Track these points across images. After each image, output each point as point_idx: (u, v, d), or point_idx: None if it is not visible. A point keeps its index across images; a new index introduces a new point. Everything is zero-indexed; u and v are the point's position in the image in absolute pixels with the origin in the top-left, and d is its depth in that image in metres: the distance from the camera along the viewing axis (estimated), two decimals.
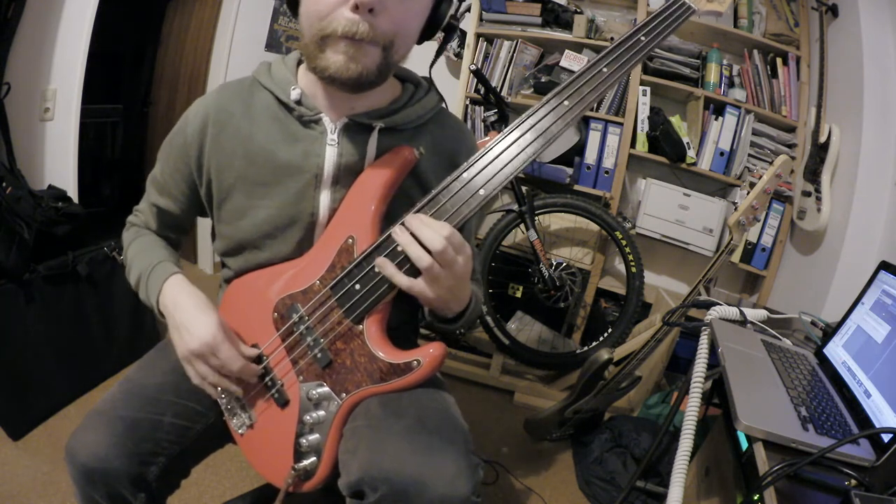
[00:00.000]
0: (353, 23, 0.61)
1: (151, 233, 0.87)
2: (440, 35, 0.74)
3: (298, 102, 0.73)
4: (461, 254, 0.64)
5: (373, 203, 0.70)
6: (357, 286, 0.68)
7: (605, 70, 0.65)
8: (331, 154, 0.73)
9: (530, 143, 0.64)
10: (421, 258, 0.62)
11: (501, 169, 0.65)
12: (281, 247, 0.77)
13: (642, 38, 0.67)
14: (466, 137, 0.84)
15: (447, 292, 0.66)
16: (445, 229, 0.63)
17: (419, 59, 0.80)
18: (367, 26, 0.62)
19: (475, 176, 0.65)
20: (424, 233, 0.62)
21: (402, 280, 0.64)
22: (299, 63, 0.77)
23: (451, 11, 0.71)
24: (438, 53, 0.80)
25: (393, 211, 0.72)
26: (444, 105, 0.83)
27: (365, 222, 0.70)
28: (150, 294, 0.77)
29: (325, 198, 0.74)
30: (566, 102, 0.65)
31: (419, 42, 0.73)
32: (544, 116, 0.65)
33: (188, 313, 0.72)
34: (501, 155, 0.65)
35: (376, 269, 0.67)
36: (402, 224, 0.65)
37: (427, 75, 0.82)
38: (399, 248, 0.65)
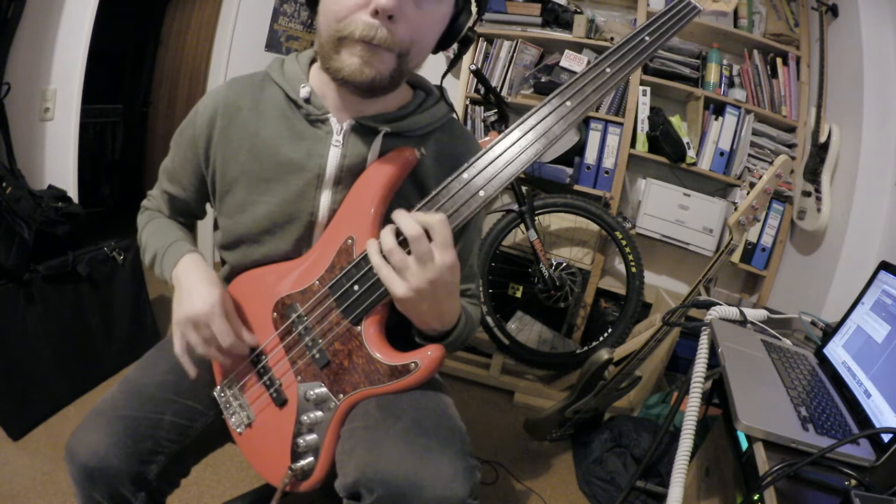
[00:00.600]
0: (372, 27, 0.61)
1: (164, 216, 0.88)
2: (454, 46, 0.74)
3: (307, 101, 0.73)
4: (441, 251, 0.61)
5: (373, 204, 0.70)
6: (355, 287, 0.68)
7: (608, 70, 0.65)
8: (334, 155, 0.73)
9: (532, 144, 0.64)
10: (384, 241, 0.62)
11: (502, 170, 0.64)
12: (279, 244, 0.77)
13: (646, 39, 0.66)
14: (472, 147, 0.82)
15: (418, 296, 0.62)
16: (433, 218, 0.60)
17: (430, 66, 0.80)
18: (386, 32, 0.62)
19: (475, 176, 0.64)
20: (402, 220, 0.61)
21: (375, 258, 0.63)
22: (313, 62, 0.77)
23: (469, 24, 0.71)
24: (452, 65, 0.80)
25: (391, 212, 0.71)
26: (454, 115, 0.82)
27: (364, 223, 0.70)
28: (164, 269, 0.78)
29: (325, 198, 0.74)
30: (568, 103, 0.64)
31: (434, 52, 0.73)
32: (546, 117, 0.64)
33: (194, 283, 0.73)
34: (502, 156, 0.64)
35: (374, 270, 0.67)
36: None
37: (439, 84, 0.82)
38: None
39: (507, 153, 0.64)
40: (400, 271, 0.62)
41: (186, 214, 0.90)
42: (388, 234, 0.63)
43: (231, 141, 0.75)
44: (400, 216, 0.62)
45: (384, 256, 0.63)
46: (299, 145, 0.73)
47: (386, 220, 0.71)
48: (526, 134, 0.64)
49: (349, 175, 0.74)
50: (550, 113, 0.64)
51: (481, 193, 0.64)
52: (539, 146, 0.64)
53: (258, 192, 0.75)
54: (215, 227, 0.86)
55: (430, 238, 0.61)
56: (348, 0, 0.62)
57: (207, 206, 0.88)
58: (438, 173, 0.77)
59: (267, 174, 0.74)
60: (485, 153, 0.65)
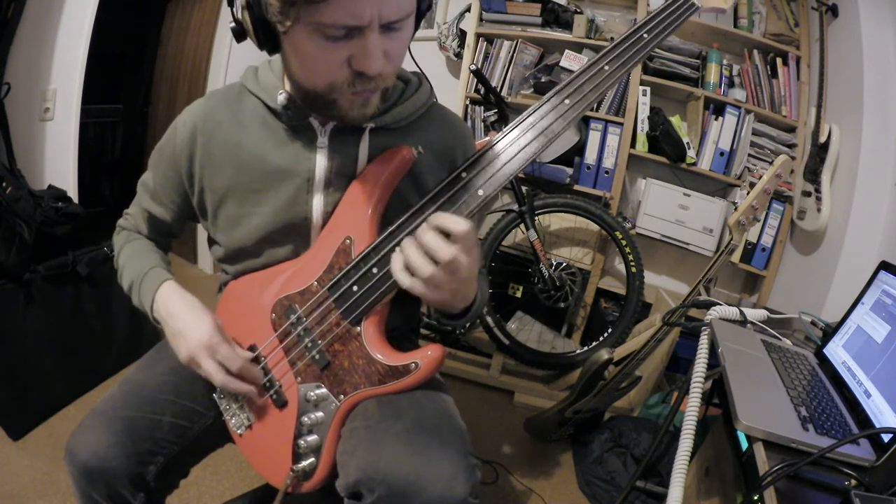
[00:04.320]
0: (361, 80, 0.62)
1: (142, 237, 0.87)
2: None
3: (286, 107, 0.72)
4: (470, 256, 0.62)
5: (370, 204, 0.70)
6: (354, 287, 0.68)
7: (606, 68, 0.65)
8: (321, 157, 0.73)
9: (530, 143, 0.64)
10: (421, 268, 0.61)
11: (501, 168, 0.64)
12: (278, 252, 0.77)
13: (645, 36, 0.66)
14: (460, 130, 0.82)
15: (451, 295, 0.65)
16: (460, 228, 0.60)
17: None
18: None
19: (474, 176, 0.64)
20: (431, 242, 0.60)
21: (403, 279, 0.63)
22: None
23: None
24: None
25: (390, 211, 0.72)
26: (435, 99, 0.82)
27: (363, 223, 0.70)
28: (143, 301, 0.77)
29: (318, 201, 0.74)
30: (567, 101, 0.64)
31: None
32: (545, 115, 0.64)
33: (183, 320, 0.72)
34: (501, 154, 0.64)
35: (374, 271, 0.67)
36: (413, 234, 0.63)
37: (417, 69, 0.82)
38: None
39: (506, 152, 0.64)
40: (436, 286, 0.62)
41: (165, 233, 0.88)
42: (417, 255, 0.61)
43: (214, 156, 0.74)
44: (427, 238, 0.61)
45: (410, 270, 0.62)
46: (285, 151, 0.73)
47: (384, 219, 0.71)
48: (525, 132, 0.64)
49: (339, 176, 0.73)
50: (550, 111, 0.64)
51: (480, 192, 0.64)
52: (538, 144, 0.64)
53: (250, 204, 0.75)
54: (210, 243, 0.85)
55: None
56: (330, 62, 0.60)
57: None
58: (431, 163, 0.77)
59: (256, 185, 0.74)
60: (483, 152, 0.65)
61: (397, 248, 0.64)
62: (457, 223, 0.60)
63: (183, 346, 0.71)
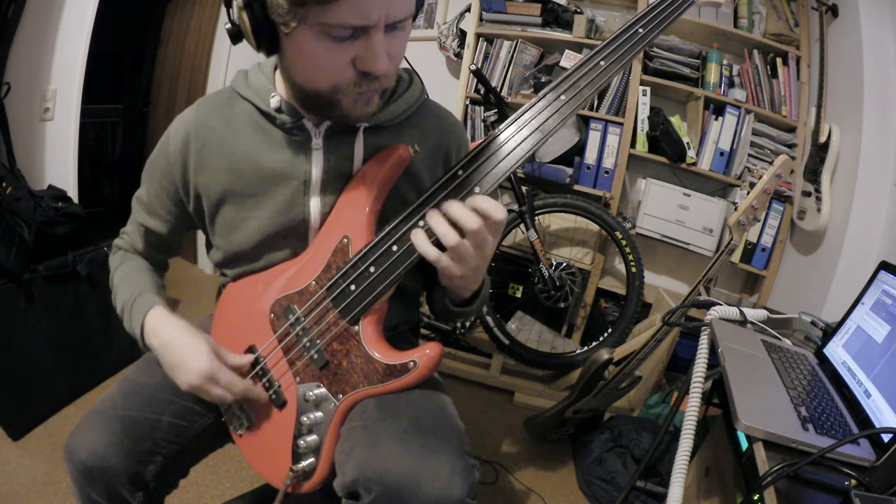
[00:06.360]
0: (366, 79, 0.62)
1: (137, 256, 0.86)
2: None
3: (279, 110, 0.71)
4: (495, 235, 0.63)
5: (368, 203, 0.70)
6: (352, 286, 0.68)
7: (602, 63, 0.65)
8: (317, 159, 0.72)
9: (526, 139, 0.64)
10: (448, 237, 0.61)
11: (497, 165, 0.64)
12: (277, 254, 0.77)
13: (640, 31, 0.66)
14: (452, 124, 0.83)
15: (472, 272, 0.65)
16: (496, 211, 0.61)
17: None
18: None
19: (471, 173, 0.64)
20: (459, 212, 0.61)
21: (431, 252, 0.63)
22: (276, 68, 0.76)
23: None
24: None
25: (387, 209, 0.71)
26: (426, 95, 0.82)
27: (360, 222, 0.70)
28: (133, 327, 0.76)
29: (315, 203, 0.74)
30: (563, 97, 0.64)
31: None
32: (541, 112, 0.64)
33: (178, 350, 0.71)
34: (497, 151, 0.64)
35: (371, 269, 0.67)
36: (436, 207, 0.64)
37: (407, 66, 0.82)
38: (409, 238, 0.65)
39: (502, 149, 0.64)
40: (461, 258, 0.63)
41: (162, 248, 0.87)
42: (443, 225, 0.62)
43: (209, 163, 0.74)
44: (456, 209, 0.62)
45: (433, 242, 0.63)
46: (279, 155, 0.72)
47: (381, 218, 0.71)
48: (521, 129, 0.64)
49: (335, 177, 0.73)
50: (546, 108, 0.64)
51: (476, 189, 0.64)
52: (534, 140, 0.64)
53: (246, 209, 0.74)
54: (208, 247, 0.85)
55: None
56: (336, 63, 0.60)
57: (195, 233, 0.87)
58: (425, 160, 0.77)
59: (252, 189, 0.73)
60: (480, 149, 0.65)
61: (418, 225, 0.65)
62: (497, 210, 0.61)
63: (183, 377, 0.70)
